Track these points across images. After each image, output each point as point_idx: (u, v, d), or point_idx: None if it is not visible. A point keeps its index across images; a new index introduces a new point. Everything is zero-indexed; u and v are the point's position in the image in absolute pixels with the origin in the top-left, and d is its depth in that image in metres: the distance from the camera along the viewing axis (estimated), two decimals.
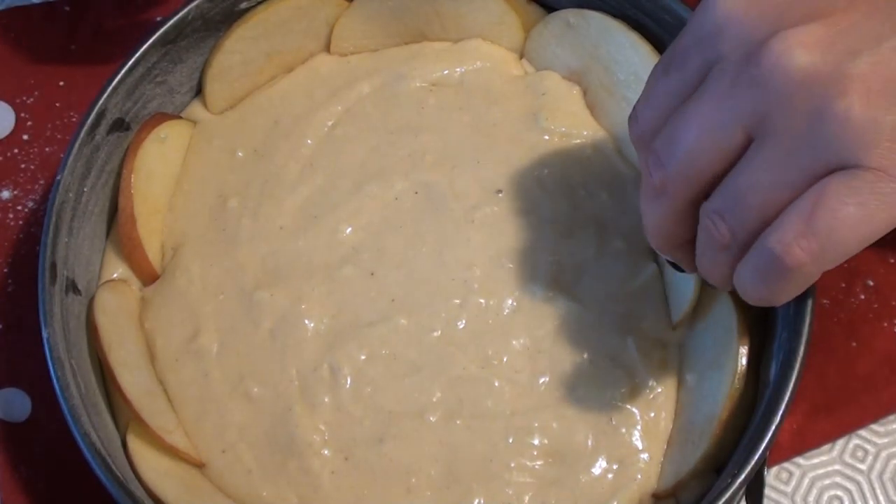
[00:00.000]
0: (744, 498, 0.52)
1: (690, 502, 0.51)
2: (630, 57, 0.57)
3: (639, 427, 0.54)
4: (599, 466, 0.53)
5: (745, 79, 0.40)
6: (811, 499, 0.59)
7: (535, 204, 0.57)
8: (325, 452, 0.54)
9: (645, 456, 0.53)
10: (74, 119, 0.66)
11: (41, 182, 0.65)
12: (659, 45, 0.57)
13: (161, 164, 0.59)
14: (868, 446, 0.59)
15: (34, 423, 0.61)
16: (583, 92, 0.59)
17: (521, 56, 0.62)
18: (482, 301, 0.55)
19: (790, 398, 0.49)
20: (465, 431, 0.54)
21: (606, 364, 0.54)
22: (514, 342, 0.55)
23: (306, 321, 0.56)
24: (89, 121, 0.55)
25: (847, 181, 0.38)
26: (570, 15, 0.59)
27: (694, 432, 0.52)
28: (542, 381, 0.54)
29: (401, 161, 0.58)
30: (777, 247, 0.39)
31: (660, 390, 0.54)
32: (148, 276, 0.59)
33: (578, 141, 0.58)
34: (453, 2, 0.60)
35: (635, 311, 0.55)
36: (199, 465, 0.55)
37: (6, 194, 0.65)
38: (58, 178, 0.55)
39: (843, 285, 0.61)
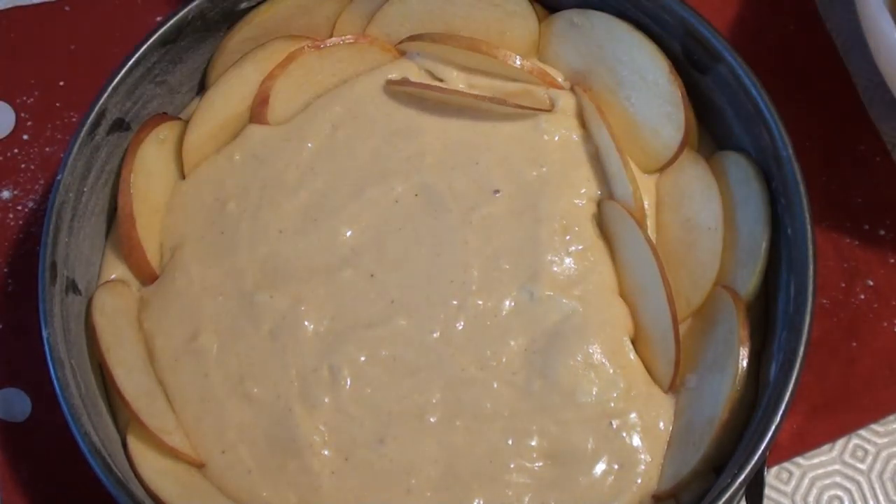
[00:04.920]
0: (744, 498, 0.52)
1: (690, 503, 0.51)
2: (635, 57, 0.57)
3: (639, 429, 0.53)
4: (599, 468, 0.53)
5: None
6: (811, 499, 0.59)
7: (533, 204, 0.57)
8: (325, 453, 0.54)
9: (645, 457, 0.53)
10: (74, 119, 0.66)
11: (41, 182, 0.65)
12: (659, 45, 0.56)
13: (161, 164, 0.59)
14: (868, 446, 0.59)
15: (34, 423, 0.61)
16: (585, 92, 0.59)
17: (537, 47, 0.61)
18: (480, 302, 0.55)
19: (790, 398, 0.49)
20: (464, 432, 0.54)
21: (606, 365, 0.54)
22: (512, 343, 0.55)
23: (306, 322, 0.56)
24: (89, 121, 0.56)
25: None
26: (574, 15, 0.58)
27: (694, 434, 0.52)
28: (540, 382, 0.54)
29: (402, 163, 0.58)
30: None
31: (660, 391, 0.54)
32: (147, 276, 0.58)
33: (578, 141, 0.58)
34: None
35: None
36: (199, 466, 0.55)
37: (6, 194, 0.65)
38: (58, 178, 0.55)
39: (843, 285, 0.61)
